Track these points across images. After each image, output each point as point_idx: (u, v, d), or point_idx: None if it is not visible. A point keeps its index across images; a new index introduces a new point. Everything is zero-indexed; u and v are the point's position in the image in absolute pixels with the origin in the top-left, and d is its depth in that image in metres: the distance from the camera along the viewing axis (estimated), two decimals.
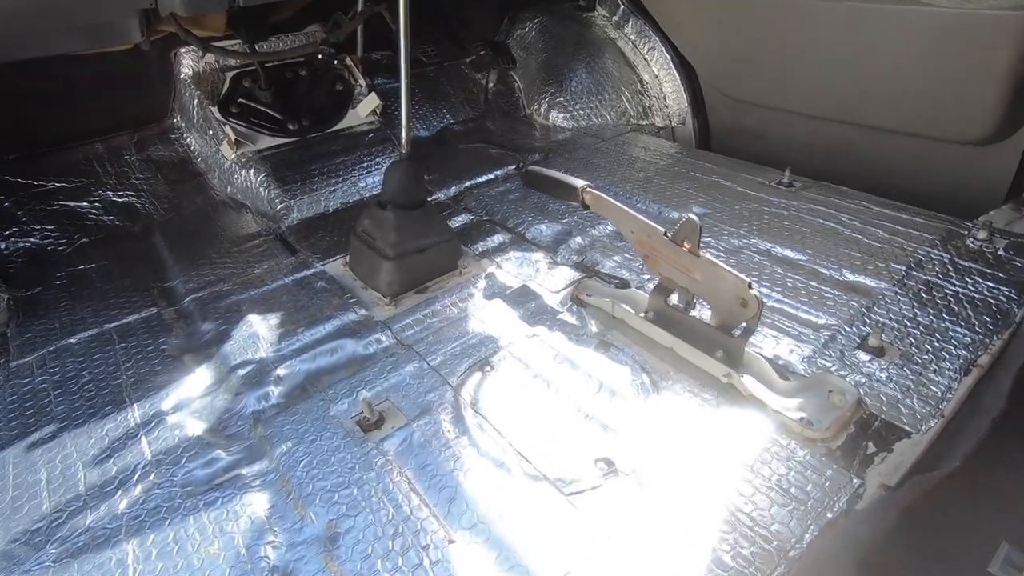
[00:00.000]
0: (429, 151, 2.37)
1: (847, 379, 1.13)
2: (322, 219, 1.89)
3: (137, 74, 2.04)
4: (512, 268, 1.57)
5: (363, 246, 1.50)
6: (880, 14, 1.83)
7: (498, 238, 1.72)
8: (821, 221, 1.67)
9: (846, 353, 1.21)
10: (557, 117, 2.57)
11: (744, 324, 1.13)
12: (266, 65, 2.05)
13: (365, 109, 2.21)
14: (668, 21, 2.53)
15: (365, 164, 2.07)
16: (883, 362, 1.18)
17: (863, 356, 1.20)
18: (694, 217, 1.11)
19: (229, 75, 2.07)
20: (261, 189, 1.91)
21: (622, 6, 2.67)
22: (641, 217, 1.23)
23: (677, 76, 2.58)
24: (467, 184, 2.08)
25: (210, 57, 2.05)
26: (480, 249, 1.67)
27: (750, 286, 1.06)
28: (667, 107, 2.63)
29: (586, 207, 1.39)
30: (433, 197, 2.00)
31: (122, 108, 2.05)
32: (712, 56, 2.41)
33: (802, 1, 2.05)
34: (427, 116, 2.54)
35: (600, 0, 2.77)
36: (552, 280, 1.51)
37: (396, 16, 1.42)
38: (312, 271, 1.61)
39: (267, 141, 2.02)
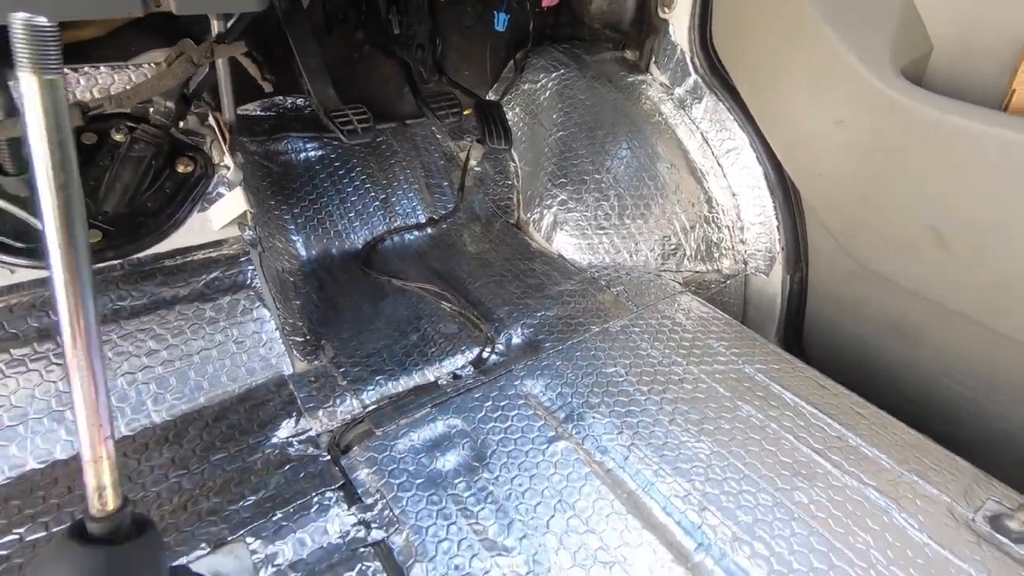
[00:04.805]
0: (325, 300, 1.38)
1: None
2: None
3: None
4: None
5: None
6: None
7: None
8: None
9: None
10: (566, 243, 1.57)
11: None
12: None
13: (223, 215, 1.22)
14: (769, 109, 1.54)
15: (196, 341, 1.09)
16: None
17: None
18: None
19: None
20: None
21: (694, 75, 1.67)
22: None
23: (770, 199, 1.59)
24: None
25: None
26: None
27: None
28: (744, 243, 1.65)
29: None
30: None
31: None
32: (835, 181, 1.42)
33: None
34: (356, 212, 1.56)
35: (659, 59, 1.77)
36: None
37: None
38: None
39: None
